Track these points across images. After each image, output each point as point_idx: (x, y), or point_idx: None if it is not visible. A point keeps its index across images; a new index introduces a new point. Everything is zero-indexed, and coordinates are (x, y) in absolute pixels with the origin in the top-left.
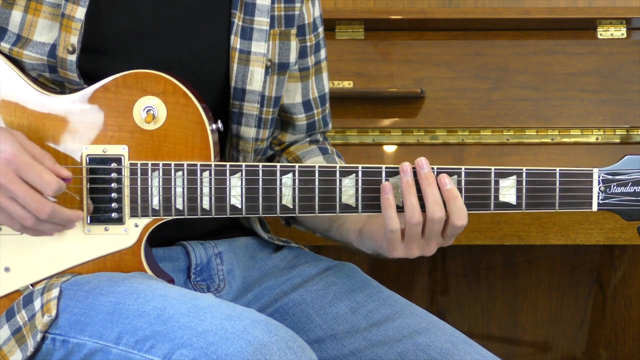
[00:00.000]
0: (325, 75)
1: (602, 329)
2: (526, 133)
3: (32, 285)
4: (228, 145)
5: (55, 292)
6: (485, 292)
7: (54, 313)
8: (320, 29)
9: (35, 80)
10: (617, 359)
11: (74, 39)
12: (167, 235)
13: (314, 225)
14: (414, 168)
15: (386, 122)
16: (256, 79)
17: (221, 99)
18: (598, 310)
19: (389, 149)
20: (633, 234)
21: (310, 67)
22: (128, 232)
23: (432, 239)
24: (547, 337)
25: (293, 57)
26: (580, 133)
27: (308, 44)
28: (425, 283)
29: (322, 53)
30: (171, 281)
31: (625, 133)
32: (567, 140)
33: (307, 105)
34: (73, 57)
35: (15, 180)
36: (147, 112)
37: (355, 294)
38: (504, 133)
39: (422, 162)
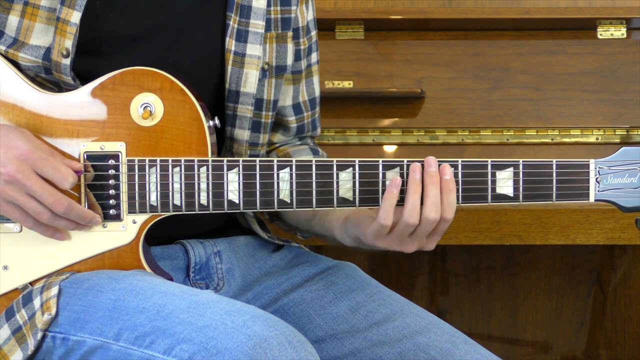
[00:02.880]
0: (316, 79)
1: (602, 329)
2: (526, 133)
3: (31, 283)
4: (223, 149)
5: (54, 291)
6: (485, 292)
7: (53, 311)
8: (313, 33)
9: (33, 80)
10: (617, 359)
11: (69, 43)
12: (166, 234)
13: (296, 218)
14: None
15: (386, 122)
16: (250, 82)
17: (216, 101)
18: (598, 310)
19: (389, 149)
20: (633, 234)
21: (302, 70)
22: (126, 229)
23: (417, 239)
24: (547, 337)
25: (290, 59)
26: (580, 133)
27: (302, 47)
28: (425, 283)
29: (314, 57)
30: (170, 279)
31: (625, 133)
32: (567, 140)
33: (297, 108)
34: (67, 61)
35: (31, 176)
36: (144, 108)
37: (355, 294)
38: (504, 133)
39: (431, 160)
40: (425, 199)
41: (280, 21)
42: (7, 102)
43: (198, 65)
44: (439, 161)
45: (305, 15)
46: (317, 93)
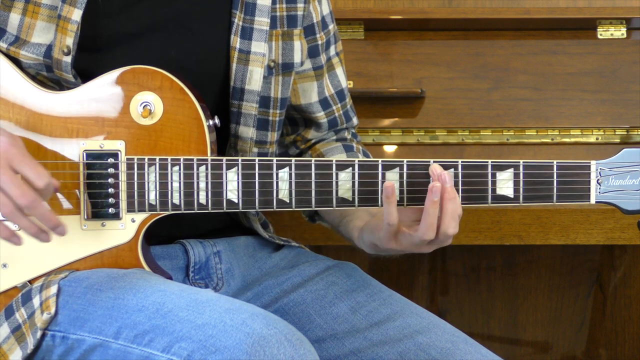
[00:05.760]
0: (340, 70)
1: (602, 329)
2: (526, 133)
3: (30, 282)
4: (227, 146)
5: (53, 289)
6: (485, 292)
7: (53, 310)
8: (331, 26)
9: (33, 78)
10: (617, 359)
11: (70, 41)
12: (166, 234)
13: (328, 220)
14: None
15: (386, 122)
16: (255, 79)
17: (220, 99)
18: (598, 310)
19: (389, 149)
20: (633, 234)
21: (323, 65)
22: (125, 228)
23: (435, 245)
24: (547, 337)
25: (298, 57)
26: (580, 133)
27: (319, 42)
28: (425, 283)
29: (333, 49)
30: (169, 278)
31: (625, 133)
32: (567, 140)
33: (324, 103)
34: (68, 59)
35: (4, 170)
36: (143, 107)
37: (355, 294)
38: (504, 133)
39: (447, 177)
40: (444, 215)
41: (286, 18)
42: (7, 100)
43: (202, 62)
44: (437, 161)
45: (319, 10)
46: (344, 84)
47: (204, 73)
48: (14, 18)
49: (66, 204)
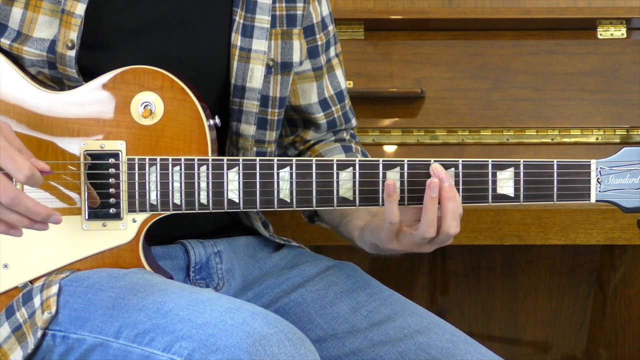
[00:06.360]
0: (339, 72)
1: (602, 329)
2: (526, 133)
3: (31, 282)
4: (228, 143)
5: (54, 289)
6: (485, 292)
7: (53, 310)
8: (330, 27)
9: (34, 78)
10: (617, 359)
11: (74, 35)
12: (166, 234)
13: (328, 220)
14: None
15: (386, 122)
16: (256, 77)
17: (221, 96)
18: (598, 310)
19: (389, 149)
20: (633, 234)
21: (323, 65)
22: (126, 228)
23: (436, 244)
24: (547, 337)
25: (297, 56)
26: (580, 133)
27: (319, 43)
28: (425, 283)
29: (333, 50)
30: (170, 278)
31: (625, 133)
32: (567, 140)
33: (324, 103)
34: (72, 53)
35: None
36: (144, 107)
37: (355, 294)
38: (504, 133)
39: (444, 175)
40: (445, 215)
41: (286, 18)
42: (8, 101)
43: (203, 59)
44: (437, 161)
45: (319, 11)
46: (343, 86)
47: (205, 71)
48: (16, 12)
49: (67, 204)
